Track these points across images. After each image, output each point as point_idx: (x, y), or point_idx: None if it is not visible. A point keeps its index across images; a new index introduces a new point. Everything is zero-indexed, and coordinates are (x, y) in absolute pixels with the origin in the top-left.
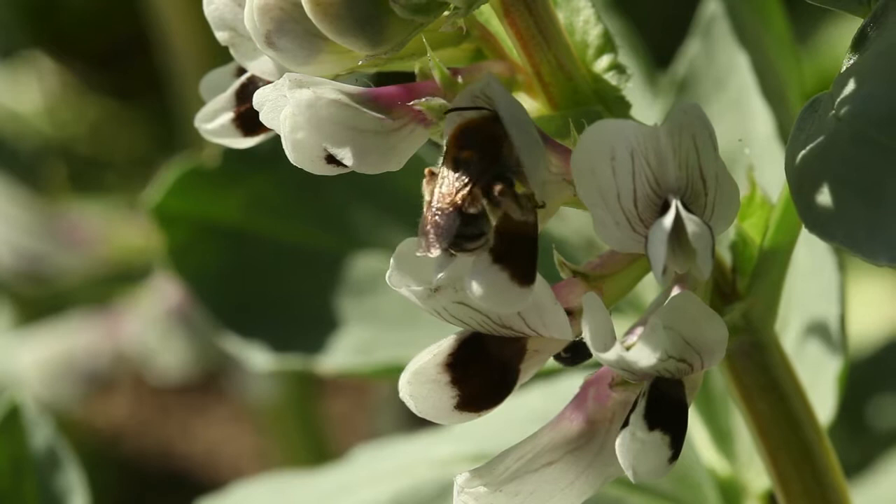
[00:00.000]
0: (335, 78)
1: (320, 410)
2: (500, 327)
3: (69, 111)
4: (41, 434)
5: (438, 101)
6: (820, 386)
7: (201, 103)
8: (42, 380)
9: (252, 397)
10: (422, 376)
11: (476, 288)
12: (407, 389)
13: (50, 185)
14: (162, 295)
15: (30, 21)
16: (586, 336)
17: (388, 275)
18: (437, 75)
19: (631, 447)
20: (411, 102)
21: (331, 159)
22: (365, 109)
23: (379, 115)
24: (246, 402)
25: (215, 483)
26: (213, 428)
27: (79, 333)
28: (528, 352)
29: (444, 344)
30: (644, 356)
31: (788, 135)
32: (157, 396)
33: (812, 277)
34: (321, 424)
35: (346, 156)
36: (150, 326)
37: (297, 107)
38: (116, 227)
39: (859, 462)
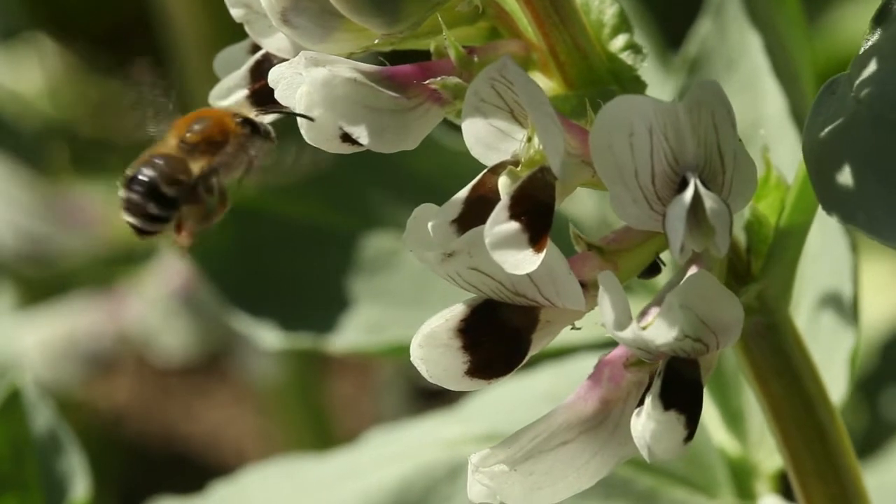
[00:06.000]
0: (350, 56)
1: (324, 392)
2: (514, 295)
3: (71, 92)
4: (42, 417)
5: (454, 81)
6: (832, 366)
7: (205, 85)
8: (44, 361)
9: (255, 379)
10: (434, 340)
11: (492, 241)
12: (418, 353)
13: (52, 167)
14: (165, 276)
15: (31, 2)
16: (603, 315)
17: (404, 236)
18: (452, 54)
19: (646, 427)
20: (427, 81)
21: (346, 138)
22: (381, 88)
23: (394, 94)
24: (249, 383)
25: (218, 464)
26: (215, 409)
27: (81, 315)
28: (540, 322)
29: (457, 309)
30: (661, 334)
31: (801, 115)
32: (160, 378)
33: (824, 258)
34: (325, 406)
35: (361, 134)
36: (153, 308)
37: (313, 85)
38: (119, 209)
39: (872, 446)
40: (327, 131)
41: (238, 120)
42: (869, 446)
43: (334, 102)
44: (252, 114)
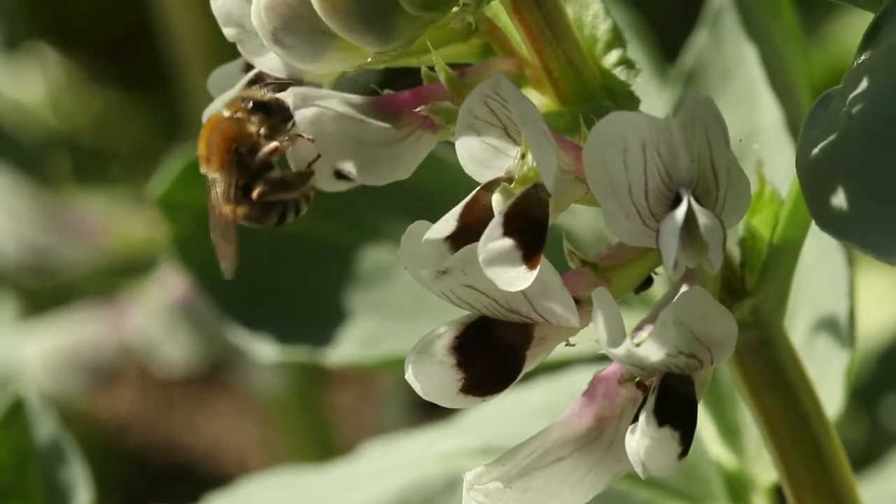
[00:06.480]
0: (343, 75)
1: (325, 403)
2: (508, 312)
3: (73, 102)
4: (45, 427)
5: (446, 105)
6: (828, 380)
7: (206, 94)
8: (47, 372)
9: (257, 389)
10: (428, 358)
11: (486, 258)
12: (413, 371)
13: (54, 177)
14: (167, 287)
15: (34, 11)
16: (597, 332)
17: (398, 252)
18: (441, 76)
19: (641, 443)
20: (418, 109)
21: (340, 175)
22: (370, 120)
23: (385, 125)
24: (251, 394)
25: (220, 475)
26: (217, 420)
27: (83, 325)
28: (534, 339)
29: (452, 326)
30: (654, 351)
31: (797, 127)
32: (162, 389)
33: (820, 271)
34: (326, 417)
35: (352, 170)
36: (155, 318)
37: (302, 124)
38: (121, 219)
39: (869, 458)
40: (321, 172)
41: (243, 113)
42: (868, 458)
43: (324, 141)
44: (258, 94)
